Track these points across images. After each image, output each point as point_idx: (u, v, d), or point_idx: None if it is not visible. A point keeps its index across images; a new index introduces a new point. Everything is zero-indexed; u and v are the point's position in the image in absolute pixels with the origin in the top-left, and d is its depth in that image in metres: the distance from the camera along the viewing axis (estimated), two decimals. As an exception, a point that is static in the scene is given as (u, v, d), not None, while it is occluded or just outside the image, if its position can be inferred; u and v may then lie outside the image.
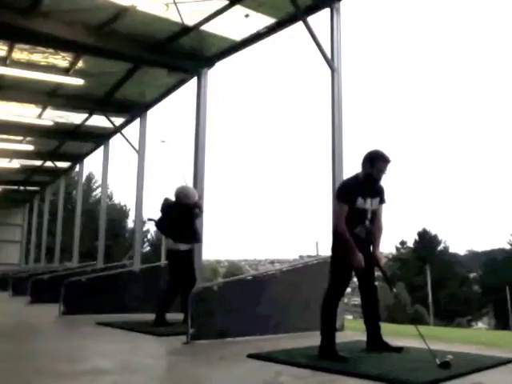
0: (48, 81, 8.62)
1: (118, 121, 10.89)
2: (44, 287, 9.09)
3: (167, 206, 6.12)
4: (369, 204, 4.04)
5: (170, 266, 6.07)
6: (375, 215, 4.11)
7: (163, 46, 7.44)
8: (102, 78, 8.79)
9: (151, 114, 10.16)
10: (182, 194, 6.07)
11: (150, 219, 6.51)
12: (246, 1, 6.24)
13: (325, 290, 4.01)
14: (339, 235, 3.95)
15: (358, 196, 3.98)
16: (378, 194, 4.12)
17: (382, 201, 4.16)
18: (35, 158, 14.62)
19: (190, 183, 7.30)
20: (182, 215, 5.97)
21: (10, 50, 7.76)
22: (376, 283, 4.24)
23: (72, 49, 7.75)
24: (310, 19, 5.97)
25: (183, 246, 5.93)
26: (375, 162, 4.00)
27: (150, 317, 5.85)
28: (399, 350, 4.01)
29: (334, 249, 4.05)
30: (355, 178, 4.11)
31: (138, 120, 10.24)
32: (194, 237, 6.09)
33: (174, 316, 5.79)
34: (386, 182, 4.11)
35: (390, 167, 4.05)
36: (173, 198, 6.15)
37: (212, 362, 3.82)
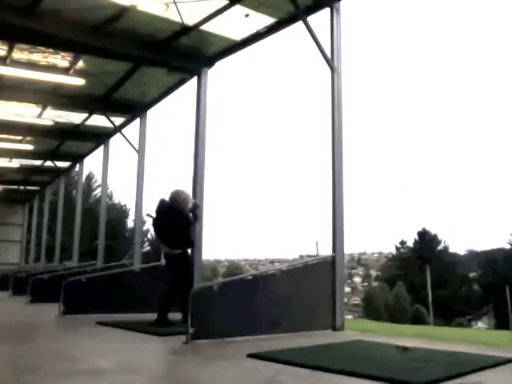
0: (48, 81, 8.61)
1: (118, 121, 10.89)
2: (44, 287, 9.08)
3: (161, 211, 6.11)
4: None
5: (168, 267, 6.07)
6: None
7: (163, 45, 7.44)
8: (102, 77, 8.79)
9: (151, 114, 10.19)
10: (175, 198, 6.07)
11: (148, 215, 6.41)
12: (246, 0, 6.24)
13: None
14: None
15: None
16: None
17: None
18: (35, 158, 14.63)
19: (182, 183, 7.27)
20: (175, 220, 5.96)
21: (10, 50, 7.76)
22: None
23: (72, 49, 7.74)
24: (310, 19, 5.97)
25: (177, 251, 5.94)
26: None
27: (150, 317, 5.85)
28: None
29: None
30: None
31: (138, 120, 10.25)
32: (187, 242, 6.08)
33: (174, 316, 5.79)
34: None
35: None
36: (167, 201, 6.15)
37: (212, 361, 3.82)
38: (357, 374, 3.24)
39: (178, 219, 5.96)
